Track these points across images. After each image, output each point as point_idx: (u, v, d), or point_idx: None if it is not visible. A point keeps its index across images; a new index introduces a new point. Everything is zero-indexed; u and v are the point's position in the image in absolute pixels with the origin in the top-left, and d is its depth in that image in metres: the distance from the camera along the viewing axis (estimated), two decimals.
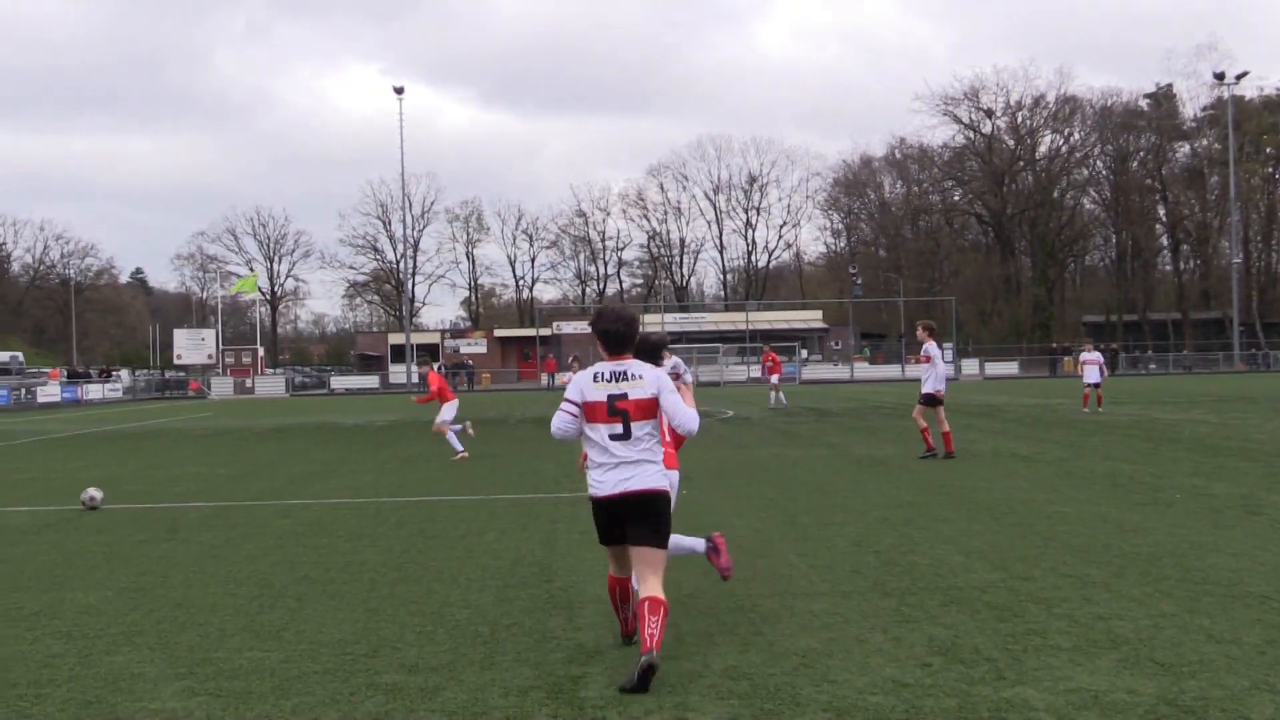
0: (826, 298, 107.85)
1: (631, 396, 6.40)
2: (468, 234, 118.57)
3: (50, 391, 63.32)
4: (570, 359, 31.60)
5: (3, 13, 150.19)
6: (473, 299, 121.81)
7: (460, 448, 20.42)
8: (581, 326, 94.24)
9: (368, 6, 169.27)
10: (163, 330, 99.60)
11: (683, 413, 6.50)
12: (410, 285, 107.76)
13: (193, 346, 79.63)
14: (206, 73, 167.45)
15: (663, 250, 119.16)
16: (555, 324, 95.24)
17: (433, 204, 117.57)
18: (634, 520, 6.34)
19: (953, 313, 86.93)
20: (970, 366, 77.19)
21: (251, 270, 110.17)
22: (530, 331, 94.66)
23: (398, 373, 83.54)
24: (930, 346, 17.52)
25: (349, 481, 17.00)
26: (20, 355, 74.06)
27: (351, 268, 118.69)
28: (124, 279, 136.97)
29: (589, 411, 6.45)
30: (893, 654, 6.49)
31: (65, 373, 74.76)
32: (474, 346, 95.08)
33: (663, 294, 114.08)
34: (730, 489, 14.46)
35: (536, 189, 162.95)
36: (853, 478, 15.48)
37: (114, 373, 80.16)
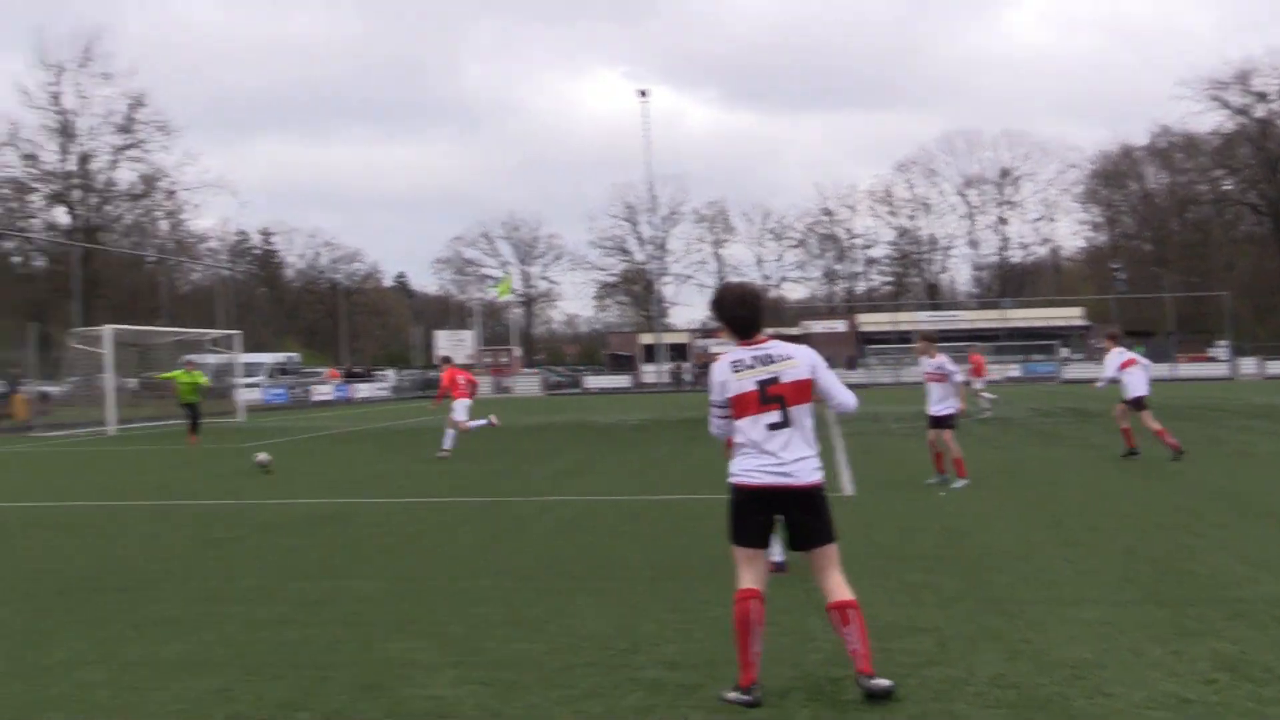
0: (1087, 294, 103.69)
1: (785, 379, 5.87)
2: (714, 234, 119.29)
3: (324, 390, 66.78)
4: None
5: (274, 32, 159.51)
6: None
7: (474, 425, 22.49)
8: (832, 325, 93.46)
9: (611, 12, 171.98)
10: (424, 331, 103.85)
11: (841, 392, 6.09)
12: (658, 285, 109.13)
13: (453, 347, 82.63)
14: (459, 82, 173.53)
15: (912, 247, 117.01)
16: (803, 323, 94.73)
17: (679, 205, 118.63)
18: (797, 518, 5.86)
19: (1227, 308, 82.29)
20: (1248, 365, 73.01)
21: (506, 273, 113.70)
22: (779, 331, 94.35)
23: (649, 372, 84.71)
24: (1115, 355, 17.82)
25: (606, 479, 17.30)
26: (298, 356, 78.49)
27: (601, 269, 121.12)
28: (388, 282, 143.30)
29: (738, 405, 5.88)
30: (1172, 668, 6.19)
31: (344, 372, 78.81)
32: (723, 346, 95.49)
33: (913, 291, 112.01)
34: (991, 490, 14.08)
35: (782, 188, 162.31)
36: (1120, 480, 14.85)
37: (376, 373, 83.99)
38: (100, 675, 6.52)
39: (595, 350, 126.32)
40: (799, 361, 5.96)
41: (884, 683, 5.72)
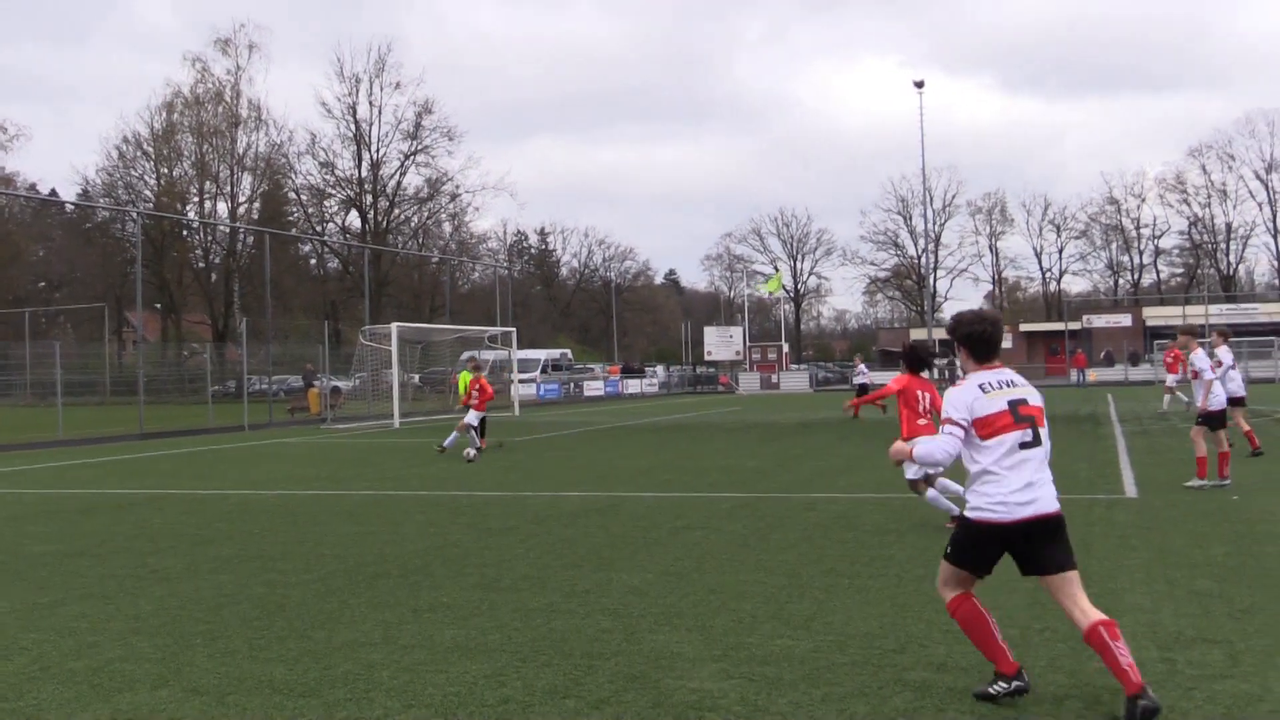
0: None
1: (1031, 403, 5.76)
2: (990, 226, 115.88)
3: (595, 386, 68.38)
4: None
5: (548, 35, 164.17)
6: (996, 292, 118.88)
7: (448, 442, 22.95)
8: (1114, 319, 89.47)
9: (883, 0, 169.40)
10: (693, 328, 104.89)
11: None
12: (932, 280, 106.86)
13: (722, 343, 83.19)
14: (730, 78, 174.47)
15: (1206, 236, 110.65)
16: (1085, 317, 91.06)
17: (954, 197, 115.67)
18: (1042, 546, 5.64)
19: None
20: None
21: (776, 269, 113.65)
22: (1058, 325, 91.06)
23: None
24: (1197, 357, 14.69)
25: (873, 476, 17.08)
26: (569, 352, 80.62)
27: (872, 264, 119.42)
28: (658, 280, 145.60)
29: (986, 426, 5.65)
30: None
31: (622, 368, 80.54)
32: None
33: (1206, 283, 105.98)
34: None
35: (1063, 177, 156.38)
36: None
37: (647, 369, 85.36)
38: (381, 656, 6.84)
39: (865, 346, 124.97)
40: (1033, 390, 5.87)
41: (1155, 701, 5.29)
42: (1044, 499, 5.65)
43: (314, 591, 8.89)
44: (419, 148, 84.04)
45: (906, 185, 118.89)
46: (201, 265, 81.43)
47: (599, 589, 8.75)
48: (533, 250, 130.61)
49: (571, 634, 7.30)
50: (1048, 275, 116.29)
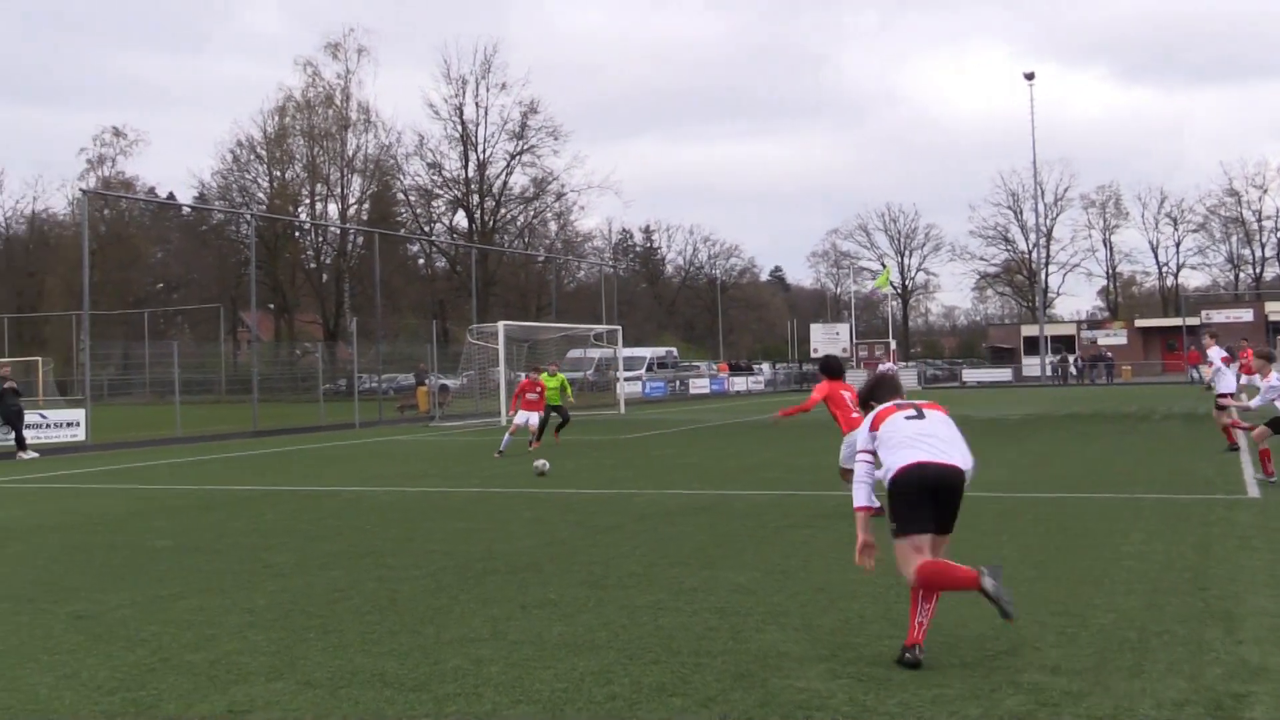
0: None
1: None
2: (1104, 220, 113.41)
3: (700, 383, 68.34)
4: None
5: (653, 33, 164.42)
6: (1110, 288, 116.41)
7: (502, 448, 22.90)
8: (1234, 314, 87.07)
9: None
10: (799, 325, 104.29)
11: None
12: (1043, 275, 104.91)
13: (828, 340, 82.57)
14: (836, 73, 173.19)
15: None
16: (1204, 313, 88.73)
17: (1066, 190, 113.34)
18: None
19: None
20: None
21: (884, 265, 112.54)
22: (1175, 321, 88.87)
23: (1031, 365, 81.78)
24: (1213, 351, 20.06)
25: (983, 474, 16.79)
26: (675, 350, 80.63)
27: (982, 259, 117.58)
28: (764, 277, 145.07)
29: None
30: None
31: (730, 366, 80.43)
32: (1113, 338, 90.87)
33: None
34: None
35: (1181, 168, 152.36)
36: None
37: (755, 366, 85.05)
38: (490, 652, 6.91)
39: (974, 343, 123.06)
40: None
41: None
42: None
43: (424, 587, 9.01)
44: (525, 147, 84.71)
45: (1017, 179, 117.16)
46: (313, 266, 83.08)
47: (705, 587, 8.74)
48: (638, 248, 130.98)
49: (678, 632, 7.31)
50: (1164, 270, 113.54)
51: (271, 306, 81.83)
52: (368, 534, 12.14)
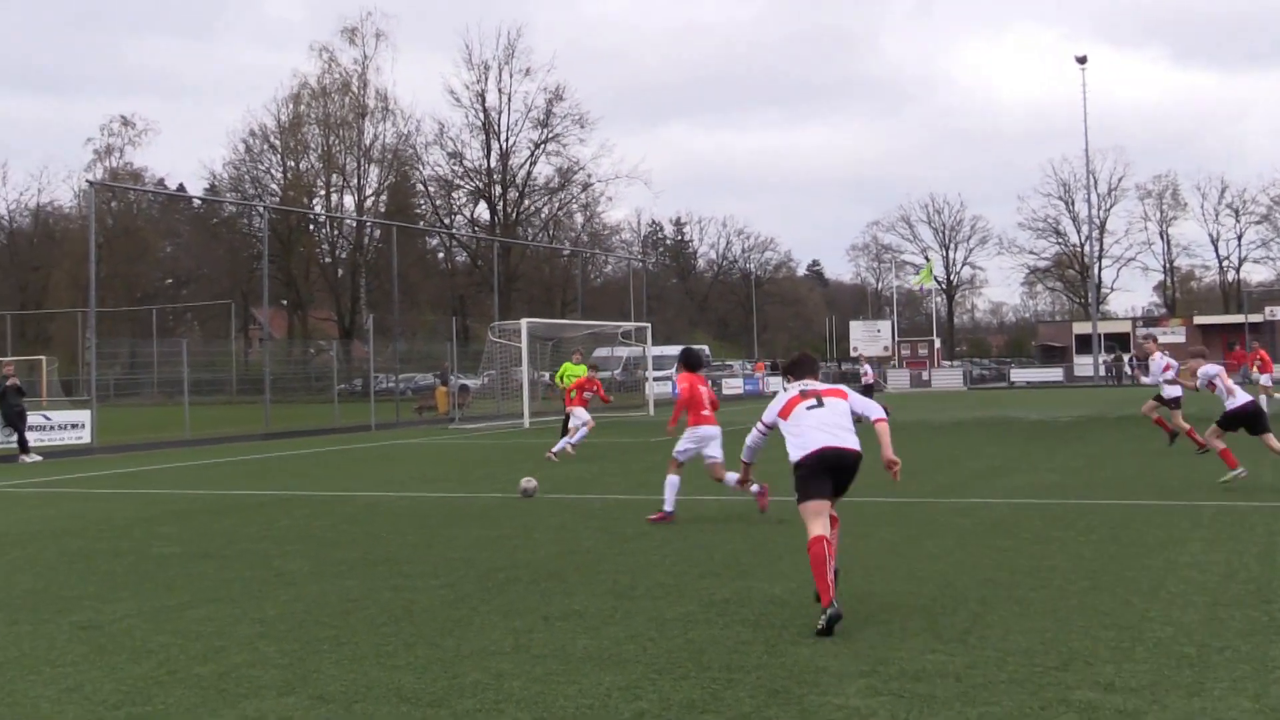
0: None
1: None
2: (1161, 211, 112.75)
3: (733, 383, 68.30)
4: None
5: (682, 17, 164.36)
6: (1168, 283, 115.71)
7: (558, 448, 22.87)
8: None
9: None
10: (838, 322, 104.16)
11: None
12: (1096, 270, 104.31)
13: (868, 338, 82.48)
14: (876, 56, 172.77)
15: None
16: (1268, 309, 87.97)
17: (1120, 180, 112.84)
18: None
19: None
20: None
21: (927, 259, 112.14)
22: (1237, 318, 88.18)
23: (1083, 364, 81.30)
24: (1156, 359, 22.51)
25: (1032, 479, 16.76)
26: (707, 349, 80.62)
27: (1031, 253, 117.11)
28: (801, 272, 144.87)
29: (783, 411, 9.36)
30: None
31: (769, 365, 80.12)
32: (1171, 335, 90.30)
33: None
34: None
35: (1242, 157, 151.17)
36: None
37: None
38: (512, 665, 6.91)
39: (1023, 341, 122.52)
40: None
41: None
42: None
43: (443, 597, 9.02)
44: (549, 136, 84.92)
45: (1068, 168, 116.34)
46: (328, 260, 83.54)
47: (738, 598, 8.72)
48: (668, 241, 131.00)
49: (710, 645, 7.29)
50: (1225, 264, 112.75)
51: (284, 303, 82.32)
52: (384, 541, 12.18)
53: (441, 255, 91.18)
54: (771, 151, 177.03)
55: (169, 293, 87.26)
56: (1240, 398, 15.84)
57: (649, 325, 47.51)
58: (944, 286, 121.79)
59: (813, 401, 8.90)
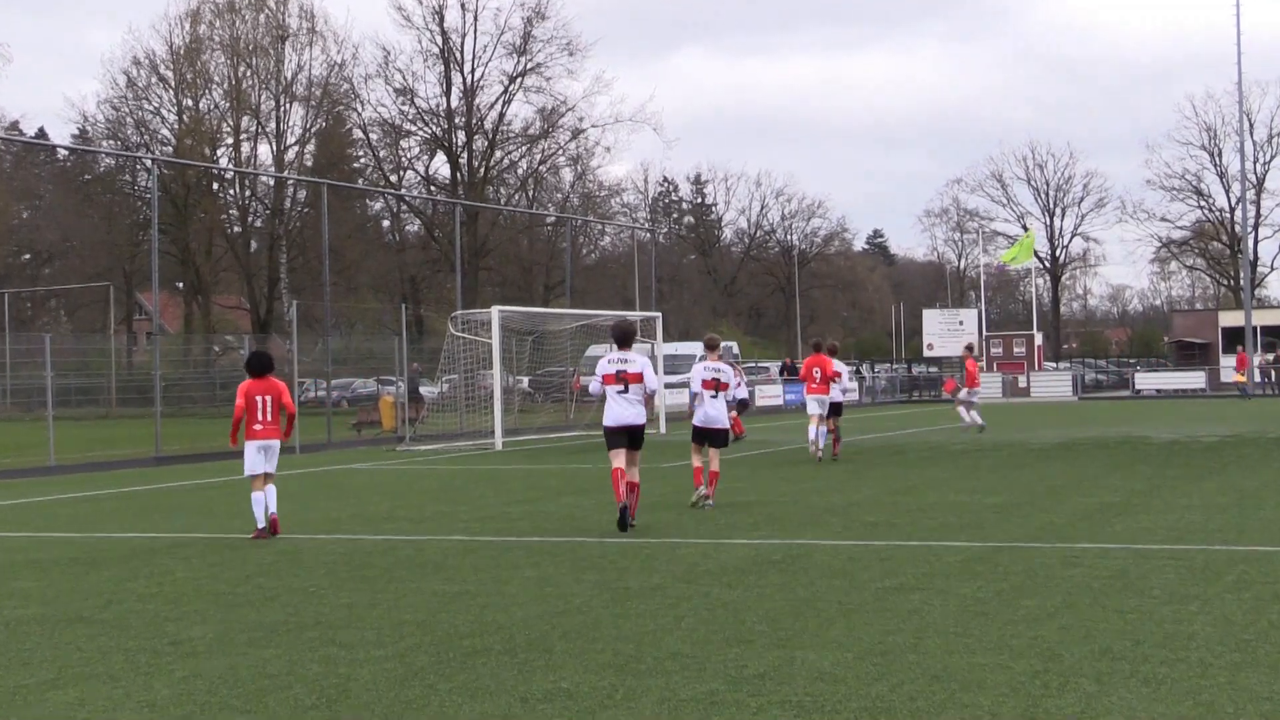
0: None
1: (629, 370, 17.76)
2: None
3: (770, 392, 68.10)
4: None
5: None
6: None
7: (969, 420, 27.51)
8: None
9: None
10: (908, 310, 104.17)
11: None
12: (1251, 242, 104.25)
13: (948, 332, 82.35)
14: None
15: None
16: None
17: None
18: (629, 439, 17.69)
19: None
20: None
21: (1026, 229, 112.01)
22: None
23: (1232, 367, 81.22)
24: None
25: (1164, 520, 16.75)
26: (735, 345, 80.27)
27: (1164, 219, 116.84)
28: (859, 245, 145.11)
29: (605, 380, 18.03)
30: None
31: (780, 368, 79.95)
32: None
33: None
34: None
35: None
36: None
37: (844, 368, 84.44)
38: None
39: (1152, 337, 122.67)
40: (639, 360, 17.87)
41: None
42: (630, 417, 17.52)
43: (389, 672, 9.04)
44: (528, 67, 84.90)
45: (1214, 108, 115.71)
46: (237, 230, 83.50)
47: (776, 673, 8.74)
48: (685, 205, 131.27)
49: None
50: None
51: (180, 286, 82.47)
52: (313, 598, 12.19)
53: (387, 224, 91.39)
54: (819, 86, 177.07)
55: (26, 273, 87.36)
56: None
57: (659, 316, 47.48)
58: (1047, 265, 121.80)
59: (620, 387, 16.68)
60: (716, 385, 19.61)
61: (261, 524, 17.02)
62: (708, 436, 19.64)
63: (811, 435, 28.81)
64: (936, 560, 13.61)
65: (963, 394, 38.47)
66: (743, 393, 32.16)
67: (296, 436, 37.25)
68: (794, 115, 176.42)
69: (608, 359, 17.96)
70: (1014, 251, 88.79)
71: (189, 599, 12.40)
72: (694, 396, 20.38)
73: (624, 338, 18.13)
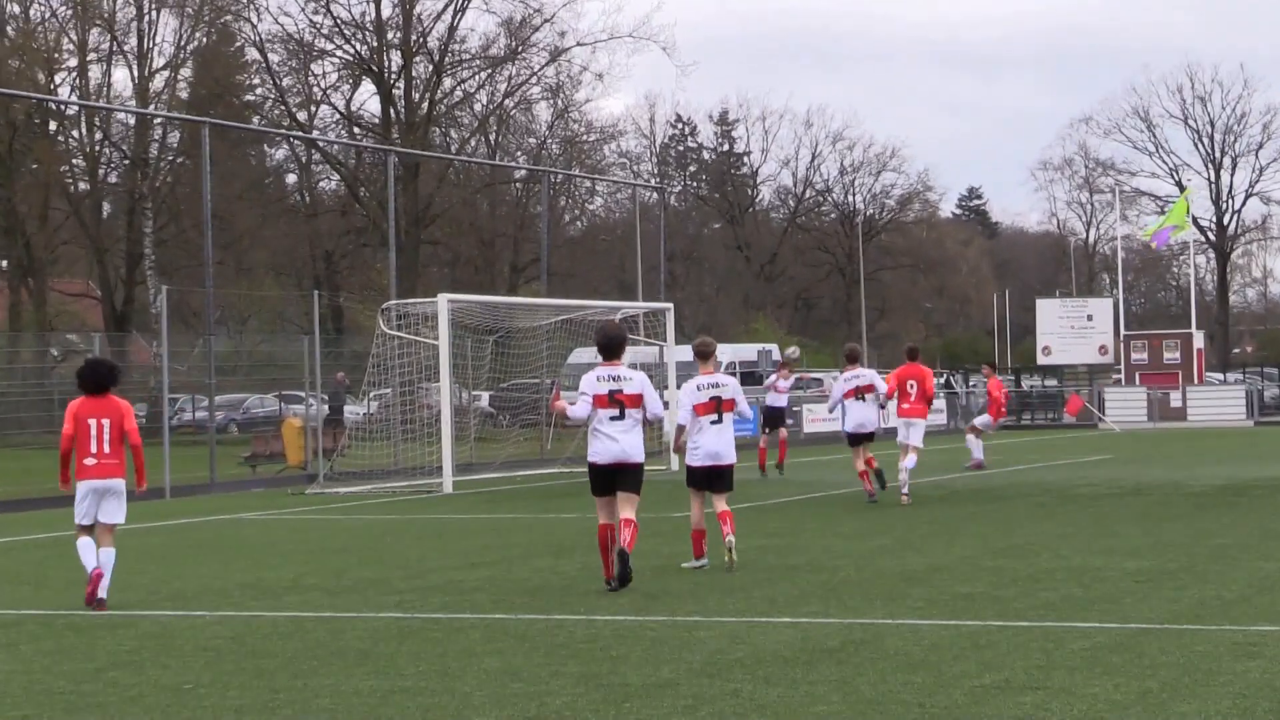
0: None
1: (627, 391, 18.50)
2: None
3: (818, 412, 68.05)
4: None
5: None
6: None
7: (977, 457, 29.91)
8: None
9: None
10: (1017, 299, 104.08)
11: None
12: None
13: (1070, 331, 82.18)
14: None
15: None
16: None
17: None
18: (619, 480, 18.37)
19: None
20: None
21: (1182, 187, 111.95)
22: None
23: None
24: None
25: None
26: (775, 348, 79.92)
27: None
28: (947, 209, 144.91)
29: (596, 401, 18.46)
30: None
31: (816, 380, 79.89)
32: None
33: None
34: None
35: None
36: None
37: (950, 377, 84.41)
38: None
39: None
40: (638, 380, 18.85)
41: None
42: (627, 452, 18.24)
43: None
44: None
45: None
46: (84, 187, 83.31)
47: None
48: (706, 156, 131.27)
49: None
50: None
51: (3, 265, 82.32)
52: (188, 700, 12.18)
53: (294, 180, 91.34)
54: None
55: None
56: None
57: (670, 308, 47.45)
58: (1211, 236, 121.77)
59: (615, 412, 17.82)
60: (718, 407, 19.72)
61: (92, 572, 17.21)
62: (710, 479, 19.72)
63: (902, 475, 28.74)
64: (1056, 649, 13.60)
65: (979, 421, 38.84)
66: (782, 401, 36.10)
67: (165, 476, 37.31)
68: (855, 29, 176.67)
69: (597, 374, 18.41)
70: (1169, 221, 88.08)
71: (17, 702, 12.38)
72: (681, 428, 20.26)
73: (612, 347, 18.78)
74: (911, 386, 29.17)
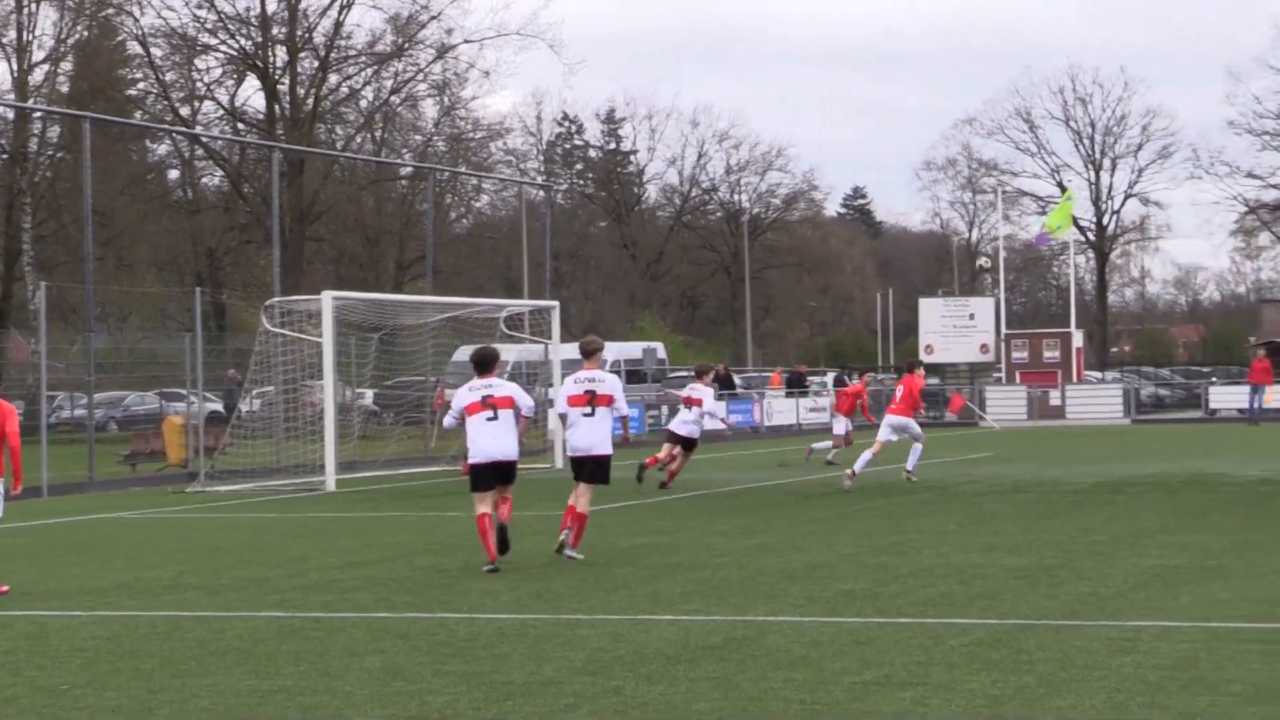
0: None
1: (497, 395, 20.27)
2: None
3: (728, 425, 68.06)
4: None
5: None
6: None
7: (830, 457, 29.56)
8: None
9: None
10: (900, 299, 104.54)
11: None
12: None
13: (952, 329, 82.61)
14: None
15: None
16: None
17: None
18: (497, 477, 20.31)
19: None
20: None
21: (1063, 188, 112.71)
22: None
23: None
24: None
25: (1248, 589, 16.89)
26: (661, 348, 79.87)
27: (1252, 176, 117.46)
28: (831, 209, 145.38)
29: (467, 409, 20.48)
30: None
31: (788, 377, 79.85)
32: None
33: None
34: None
35: None
36: None
37: (814, 380, 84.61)
38: None
39: (1233, 336, 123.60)
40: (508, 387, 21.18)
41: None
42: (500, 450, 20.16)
43: None
44: None
45: None
46: None
47: None
48: (593, 154, 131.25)
49: None
50: None
51: None
52: (64, 701, 12.08)
53: (176, 175, 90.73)
54: None
55: None
56: None
57: (556, 306, 47.41)
58: (1091, 237, 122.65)
59: (490, 414, 18.12)
60: (592, 400, 20.99)
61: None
62: (584, 468, 21.07)
63: (858, 465, 32.28)
64: (935, 645, 13.65)
65: (885, 430, 38.08)
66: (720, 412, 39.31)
67: (43, 474, 37.02)
68: (743, 30, 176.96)
69: (469, 386, 20.56)
70: (1053, 220, 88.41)
71: None
72: (562, 417, 22.15)
73: (485, 363, 20.88)
74: (897, 391, 32.86)
